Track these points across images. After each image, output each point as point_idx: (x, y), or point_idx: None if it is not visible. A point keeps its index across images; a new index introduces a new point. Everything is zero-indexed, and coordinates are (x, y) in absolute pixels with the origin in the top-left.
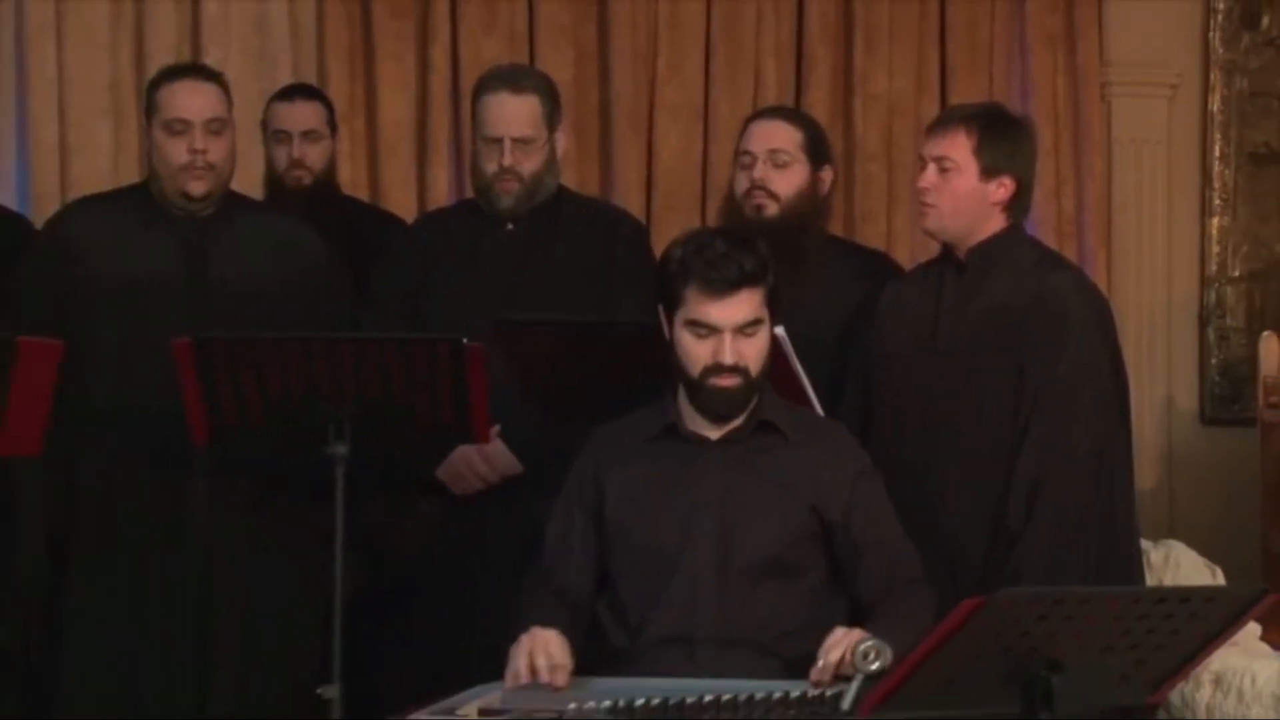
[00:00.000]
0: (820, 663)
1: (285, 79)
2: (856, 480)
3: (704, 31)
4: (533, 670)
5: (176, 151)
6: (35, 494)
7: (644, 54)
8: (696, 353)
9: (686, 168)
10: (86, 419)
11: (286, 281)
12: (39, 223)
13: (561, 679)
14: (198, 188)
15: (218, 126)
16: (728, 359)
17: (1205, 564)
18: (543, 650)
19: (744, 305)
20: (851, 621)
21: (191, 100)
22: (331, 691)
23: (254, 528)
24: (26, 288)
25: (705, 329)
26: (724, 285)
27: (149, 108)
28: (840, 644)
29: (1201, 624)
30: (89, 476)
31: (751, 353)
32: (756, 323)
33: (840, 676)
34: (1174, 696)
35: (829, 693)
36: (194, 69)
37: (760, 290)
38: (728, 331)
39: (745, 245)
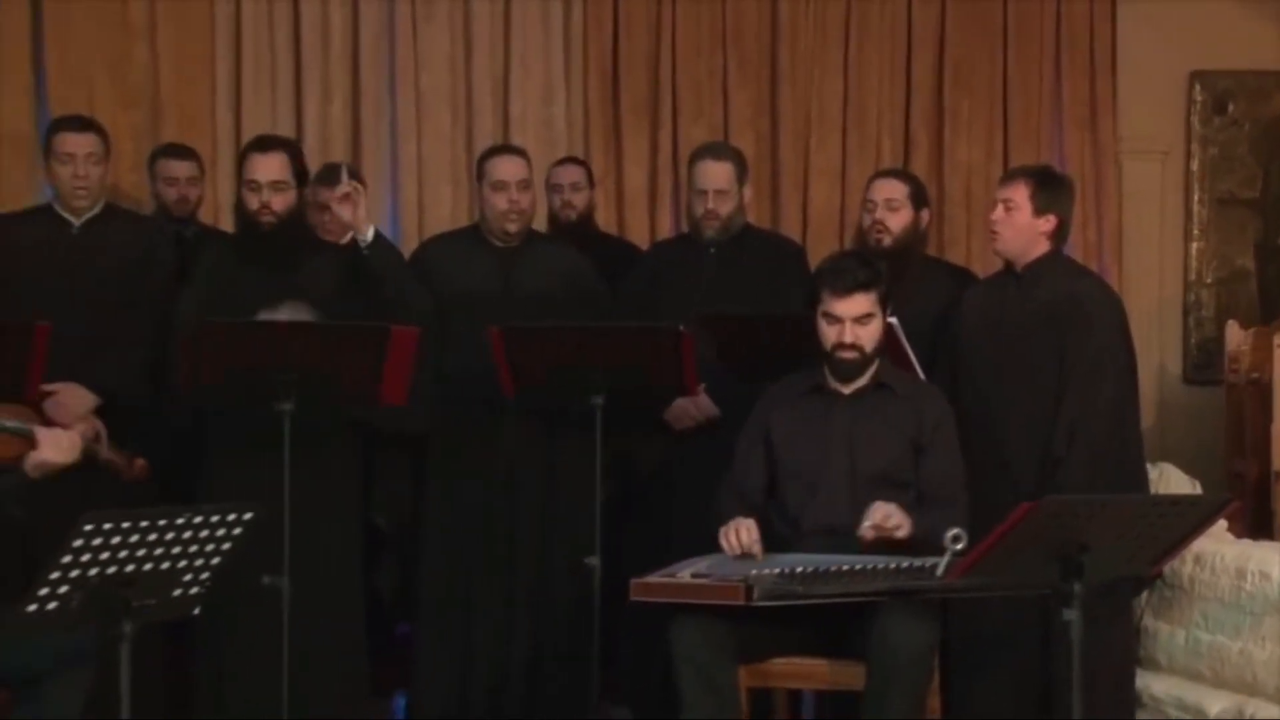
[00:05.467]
0: (865, 524)
1: (562, 154)
2: (936, 427)
3: (841, 121)
4: (739, 543)
5: (500, 202)
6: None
7: (801, 135)
8: (828, 334)
9: (830, 211)
10: (437, 382)
11: (566, 290)
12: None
13: (758, 550)
14: (514, 227)
15: (526, 185)
16: (847, 339)
17: (1188, 480)
18: (745, 529)
19: (859, 303)
20: None
21: (508, 168)
22: (594, 561)
23: (544, 451)
24: None
25: (833, 318)
26: (845, 288)
27: (479, 174)
28: (873, 513)
29: (1186, 521)
30: (437, 418)
31: (865, 335)
32: (869, 315)
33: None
34: (1167, 570)
35: (928, 564)
36: (508, 148)
37: (872, 293)
38: (848, 320)
39: (863, 262)
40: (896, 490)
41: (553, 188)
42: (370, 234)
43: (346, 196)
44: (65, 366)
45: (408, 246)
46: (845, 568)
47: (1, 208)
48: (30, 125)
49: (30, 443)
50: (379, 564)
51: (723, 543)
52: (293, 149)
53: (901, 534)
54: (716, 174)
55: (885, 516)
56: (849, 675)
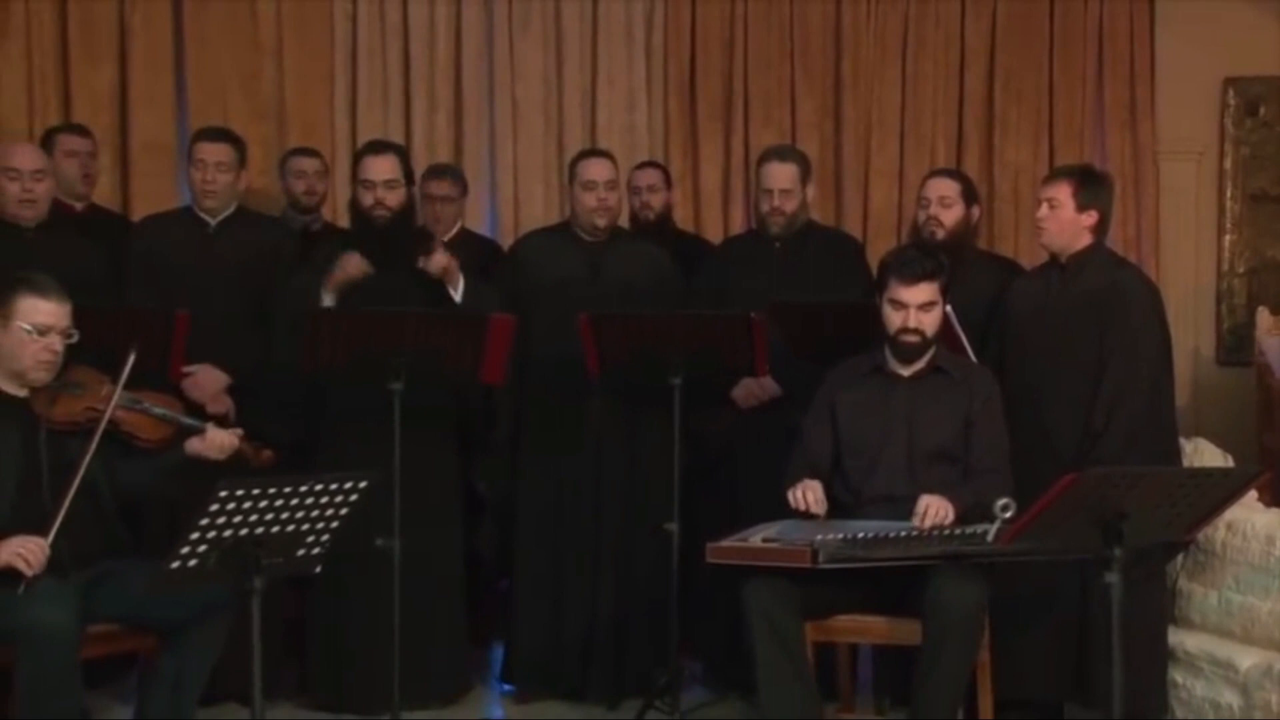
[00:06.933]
0: (915, 519)
1: (643, 158)
2: (985, 404)
3: (899, 126)
4: (805, 501)
5: (589, 200)
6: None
7: (862, 139)
8: (893, 319)
9: (888, 208)
10: (529, 363)
11: (647, 281)
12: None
13: (821, 509)
14: (602, 222)
15: (612, 184)
16: (911, 324)
17: (1221, 454)
18: (812, 490)
19: (924, 291)
20: None
21: (597, 169)
22: (671, 526)
23: (627, 426)
24: (500, 286)
25: (899, 305)
26: (912, 277)
27: (571, 175)
28: (926, 514)
29: (1219, 491)
30: (529, 396)
31: (927, 321)
32: (931, 303)
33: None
34: (1201, 535)
35: (979, 530)
36: (596, 151)
37: (935, 283)
38: (912, 307)
39: (928, 254)
40: (950, 465)
41: (634, 189)
42: (461, 290)
43: (444, 269)
44: (202, 350)
45: (505, 240)
46: (903, 533)
47: (144, 210)
48: (172, 135)
49: (180, 431)
50: (481, 526)
51: (790, 497)
52: (401, 151)
53: (949, 522)
54: (782, 174)
55: (935, 513)
56: (906, 631)
